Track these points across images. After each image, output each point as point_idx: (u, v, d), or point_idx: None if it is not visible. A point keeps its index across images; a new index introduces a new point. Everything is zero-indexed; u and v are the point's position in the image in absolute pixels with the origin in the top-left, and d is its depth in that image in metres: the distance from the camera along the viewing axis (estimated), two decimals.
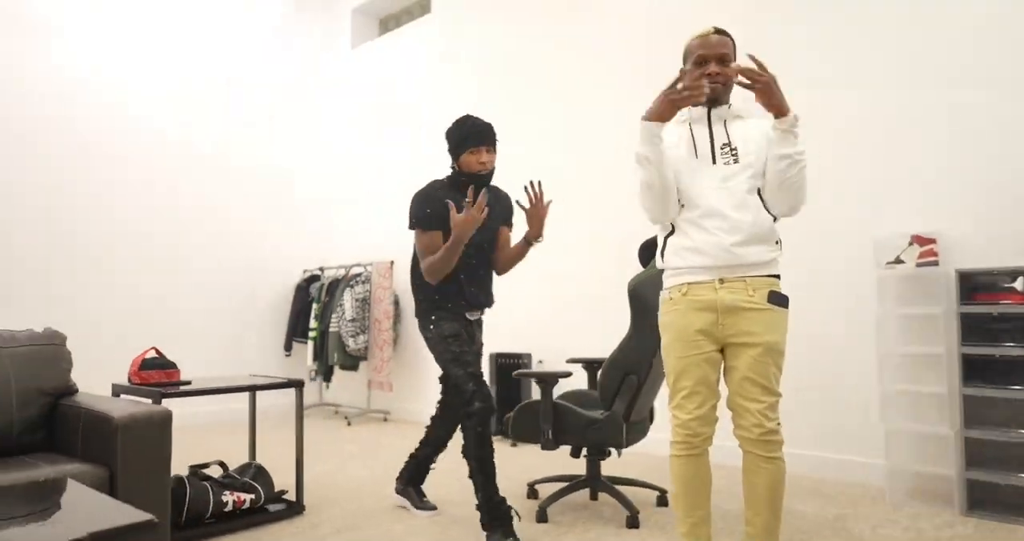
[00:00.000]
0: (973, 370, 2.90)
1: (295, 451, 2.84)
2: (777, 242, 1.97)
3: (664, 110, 1.85)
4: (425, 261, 2.52)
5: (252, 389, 2.71)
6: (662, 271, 2.35)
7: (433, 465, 2.60)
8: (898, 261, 3.15)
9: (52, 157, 4.85)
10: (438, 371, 5.42)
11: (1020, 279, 2.83)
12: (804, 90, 3.59)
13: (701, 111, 2.02)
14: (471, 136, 2.53)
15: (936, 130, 3.17)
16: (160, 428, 2.11)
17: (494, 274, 2.81)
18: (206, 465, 2.71)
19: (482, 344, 2.78)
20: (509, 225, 2.77)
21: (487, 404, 2.44)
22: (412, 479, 2.92)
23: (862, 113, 3.40)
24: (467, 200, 2.37)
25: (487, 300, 2.70)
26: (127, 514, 1.24)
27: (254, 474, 2.74)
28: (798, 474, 3.48)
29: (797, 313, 3.56)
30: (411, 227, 2.57)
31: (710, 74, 1.96)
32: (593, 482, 2.88)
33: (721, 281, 1.91)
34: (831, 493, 3.12)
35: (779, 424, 1.89)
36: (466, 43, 5.43)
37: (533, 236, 2.63)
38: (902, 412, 3.17)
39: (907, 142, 3.25)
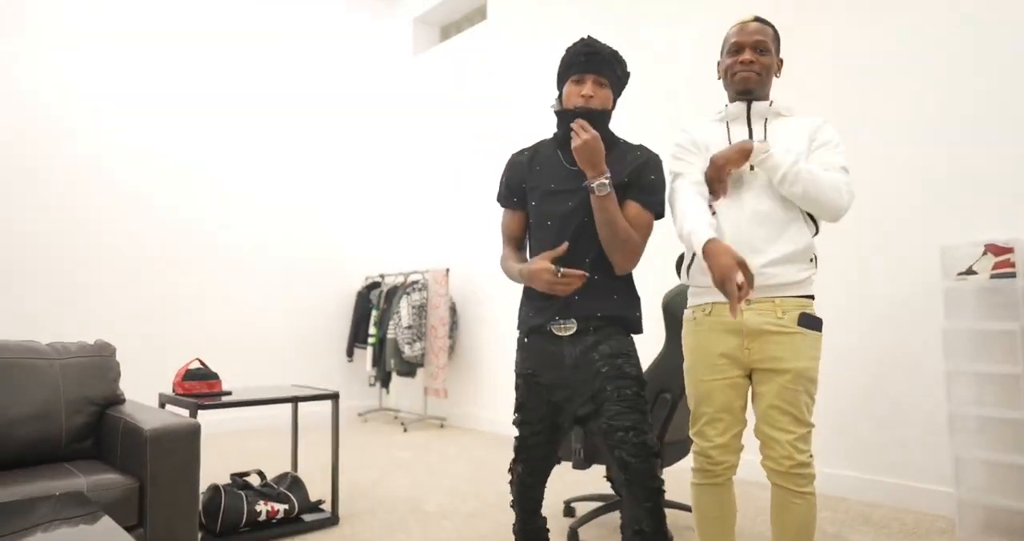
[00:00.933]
0: None
1: (331, 462, 2.88)
2: (811, 259, 1.82)
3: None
4: (502, 252, 1.99)
5: (288, 401, 2.78)
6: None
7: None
8: (970, 272, 2.88)
9: (106, 165, 5.09)
10: (493, 378, 5.42)
11: None
12: (869, 83, 3.35)
13: (739, 107, 1.87)
14: (576, 62, 1.83)
15: (1014, 128, 2.88)
16: (189, 440, 2.19)
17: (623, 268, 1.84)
18: (246, 473, 2.80)
19: (599, 371, 1.77)
20: (637, 196, 1.83)
21: (518, 484, 1.96)
22: None
23: (931, 110, 3.13)
24: (559, 271, 1.70)
25: (592, 305, 1.79)
26: (106, 535, 1.27)
27: (290, 484, 2.81)
28: (852, 499, 3.25)
29: (856, 326, 3.32)
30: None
31: (743, 61, 1.84)
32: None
33: (748, 302, 1.78)
34: (889, 522, 2.89)
35: (811, 456, 1.75)
36: (522, 49, 5.40)
37: (590, 178, 1.74)
38: (974, 437, 2.90)
39: (980, 141, 2.97)
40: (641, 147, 1.90)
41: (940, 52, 3.11)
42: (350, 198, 6.45)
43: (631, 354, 1.81)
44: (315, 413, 5.99)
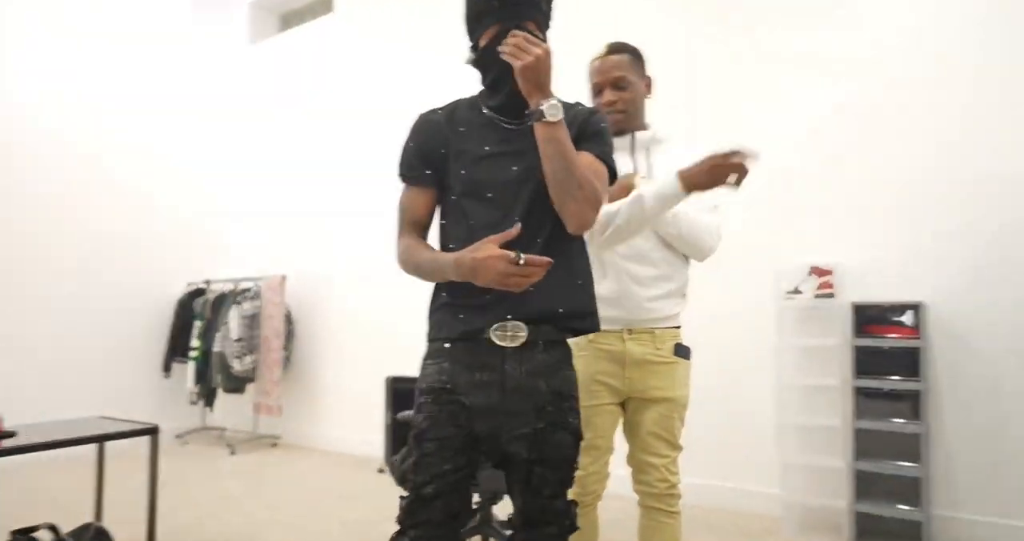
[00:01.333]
0: (865, 402, 2.91)
1: (147, 504, 2.48)
2: (684, 295, 1.88)
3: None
4: (399, 243, 1.47)
5: (94, 440, 2.34)
6: None
7: None
8: (796, 292, 3.14)
9: (106, 165, 4.81)
10: (333, 390, 5.09)
11: (909, 313, 2.86)
12: (710, 111, 3.55)
13: (621, 141, 1.81)
14: (488, 10, 1.37)
15: (837, 162, 3.19)
16: None
17: (580, 242, 1.48)
18: (33, 529, 2.32)
19: (544, 408, 1.37)
20: (588, 147, 1.41)
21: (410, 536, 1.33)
22: None
23: (767, 141, 3.38)
24: (519, 258, 1.23)
25: (551, 301, 1.37)
26: None
27: (92, 537, 2.38)
28: (692, 505, 3.41)
29: (698, 340, 3.50)
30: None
31: (607, 103, 1.80)
32: (483, 528, 2.68)
33: (629, 331, 1.78)
34: (726, 525, 3.07)
35: (679, 478, 1.82)
36: (369, 41, 5.14)
37: (535, 103, 1.32)
38: (798, 444, 3.16)
39: (808, 173, 3.25)
40: (579, 103, 1.51)
41: (775, 81, 3.37)
42: (171, 198, 5.73)
43: (576, 397, 1.44)
44: (128, 443, 5.24)
